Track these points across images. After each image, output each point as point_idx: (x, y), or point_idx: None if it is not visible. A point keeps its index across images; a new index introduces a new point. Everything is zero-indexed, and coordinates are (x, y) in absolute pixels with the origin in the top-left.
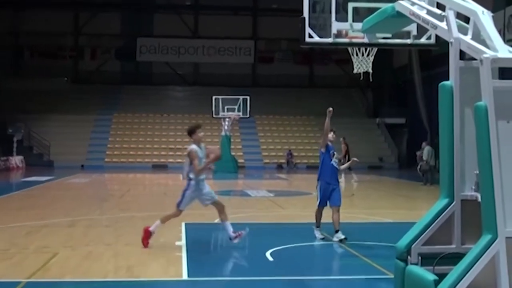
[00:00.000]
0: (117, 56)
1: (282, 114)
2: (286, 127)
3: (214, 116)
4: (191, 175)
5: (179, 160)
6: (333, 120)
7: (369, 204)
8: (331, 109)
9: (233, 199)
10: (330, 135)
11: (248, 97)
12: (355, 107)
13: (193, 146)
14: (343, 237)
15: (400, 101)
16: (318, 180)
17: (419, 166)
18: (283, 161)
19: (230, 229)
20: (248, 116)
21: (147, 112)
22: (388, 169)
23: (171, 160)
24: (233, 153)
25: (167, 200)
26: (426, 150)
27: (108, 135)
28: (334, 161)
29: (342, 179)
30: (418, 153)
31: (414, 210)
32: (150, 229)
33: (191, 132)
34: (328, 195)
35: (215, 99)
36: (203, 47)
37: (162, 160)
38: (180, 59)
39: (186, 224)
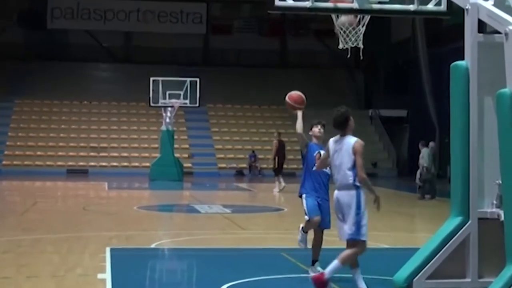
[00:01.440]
0: (20, 22)
1: (243, 103)
2: (248, 121)
3: (151, 104)
4: (357, 182)
5: (103, 164)
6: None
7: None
8: (299, 113)
9: (176, 216)
10: (317, 129)
11: (197, 80)
12: (340, 94)
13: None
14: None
15: (400, 88)
16: (300, 194)
17: (418, 175)
18: (244, 165)
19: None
20: (197, 105)
21: (61, 98)
22: (384, 178)
23: (92, 163)
24: (177, 155)
25: (88, 218)
26: (425, 154)
27: (7, 129)
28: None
29: (276, 189)
30: (421, 161)
31: (416, 232)
32: (326, 276)
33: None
34: (319, 205)
35: (154, 81)
36: (137, 11)
37: (80, 163)
38: (106, 26)
39: (111, 250)
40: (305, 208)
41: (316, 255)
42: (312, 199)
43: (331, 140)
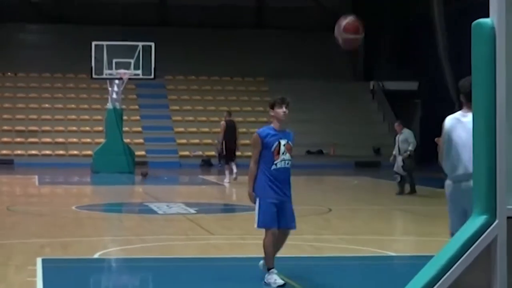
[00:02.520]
0: None
1: (210, 74)
2: (217, 96)
3: (93, 76)
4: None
5: (33, 153)
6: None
7: (354, 225)
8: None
9: (126, 218)
10: (281, 111)
11: (152, 44)
12: (333, 62)
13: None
14: (281, 282)
15: (410, 53)
16: (253, 191)
17: (401, 163)
18: (212, 153)
19: None
20: (152, 76)
21: None
22: (389, 168)
23: (19, 152)
24: (127, 140)
25: (13, 220)
26: (409, 136)
27: None
28: (284, 160)
29: (227, 179)
30: (401, 145)
31: (428, 236)
32: None
33: None
34: (277, 212)
35: (96, 47)
36: None
37: (3, 151)
38: None
39: (43, 261)
40: (257, 217)
41: (272, 262)
42: (267, 205)
43: (452, 118)
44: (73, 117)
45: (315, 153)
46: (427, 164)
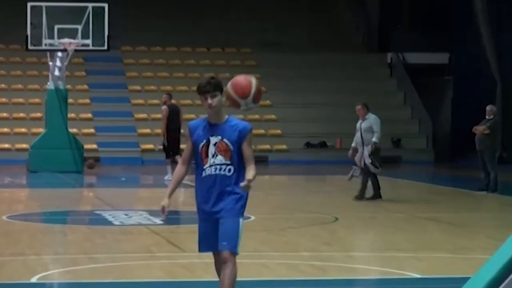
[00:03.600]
0: None
1: (181, 44)
2: (190, 72)
3: (29, 47)
4: None
5: None
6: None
7: (366, 239)
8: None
9: (73, 230)
10: (204, 103)
11: (105, 6)
12: (339, 28)
13: None
14: None
15: (438, 18)
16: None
17: (368, 159)
18: (183, 146)
19: None
20: (106, 47)
21: None
22: (412, 164)
23: None
24: (73, 130)
25: None
26: (373, 122)
27: None
28: (213, 166)
29: (168, 176)
30: (364, 135)
31: (462, 252)
32: None
33: None
34: (210, 231)
35: (33, 9)
36: None
37: None
38: None
39: None
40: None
41: None
42: (199, 223)
43: None
44: (3, 100)
45: (316, 145)
46: (460, 159)
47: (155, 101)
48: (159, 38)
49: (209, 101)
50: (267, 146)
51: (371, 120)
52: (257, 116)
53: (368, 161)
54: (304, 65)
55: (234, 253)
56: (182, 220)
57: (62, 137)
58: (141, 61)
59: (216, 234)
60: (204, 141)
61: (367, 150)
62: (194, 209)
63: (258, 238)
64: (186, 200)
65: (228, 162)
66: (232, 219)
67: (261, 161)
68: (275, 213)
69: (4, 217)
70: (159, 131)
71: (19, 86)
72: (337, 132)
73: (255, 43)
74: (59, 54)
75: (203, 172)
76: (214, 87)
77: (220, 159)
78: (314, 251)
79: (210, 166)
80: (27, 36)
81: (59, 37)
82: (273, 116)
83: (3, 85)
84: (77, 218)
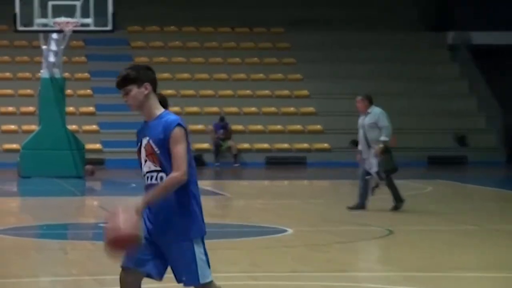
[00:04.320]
0: None
1: (199, 23)
2: (211, 57)
3: (19, 29)
4: None
5: None
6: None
7: (428, 256)
8: None
9: (75, 247)
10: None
11: None
12: (389, 2)
13: None
14: None
15: None
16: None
17: (374, 161)
18: (205, 146)
19: None
20: (110, 27)
21: None
22: (481, 164)
23: None
24: (72, 127)
25: None
26: (378, 118)
27: None
28: (145, 175)
29: None
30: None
31: None
32: None
33: None
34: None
35: None
36: None
37: None
38: None
39: None
40: None
41: None
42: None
43: None
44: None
45: None
46: None
47: (170, 91)
48: (174, 15)
49: (124, 98)
50: (305, 145)
51: (375, 114)
52: (292, 109)
53: (374, 170)
54: (347, 47)
55: (204, 285)
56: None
57: (59, 136)
58: (153, 43)
59: (155, 256)
60: (138, 144)
61: (374, 154)
62: (218, 220)
63: (296, 255)
64: (210, 210)
65: (158, 169)
66: (183, 243)
67: (297, 162)
68: (316, 226)
69: None
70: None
71: (7, 74)
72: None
73: (288, 22)
74: (55, 36)
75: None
76: (123, 81)
77: (149, 165)
78: (365, 271)
79: (144, 175)
80: (15, 14)
81: (54, 16)
82: (311, 109)
83: None
84: (79, 233)
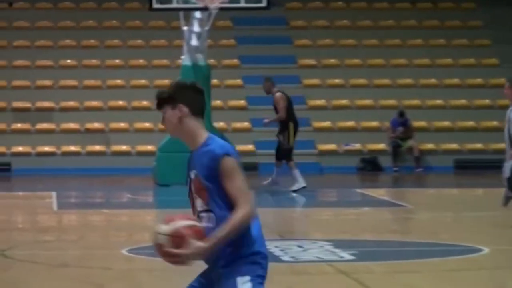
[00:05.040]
0: None
1: None
2: (388, 38)
3: (154, 6)
4: None
5: (29, 150)
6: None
7: None
8: None
9: None
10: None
11: None
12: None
13: None
14: None
15: None
16: None
17: (507, 170)
18: (380, 147)
19: None
20: (264, 4)
21: None
22: None
23: (17, 148)
24: (219, 124)
25: (10, 274)
26: None
27: None
28: (198, 214)
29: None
30: None
31: None
32: None
33: None
34: None
35: None
36: None
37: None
38: None
39: None
40: None
41: None
42: None
43: None
44: (117, 82)
45: None
46: None
47: (337, 80)
48: None
49: (162, 123)
50: (503, 145)
51: None
52: (487, 101)
53: (506, 175)
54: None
55: None
56: (382, 254)
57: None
58: (315, 23)
59: None
60: (187, 178)
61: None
62: (396, 237)
63: (494, 280)
64: (387, 225)
65: (206, 208)
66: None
67: (494, 166)
68: None
69: (123, 251)
70: (344, 124)
71: (141, 61)
72: None
73: None
74: (197, 14)
75: None
76: (159, 102)
77: (199, 203)
78: None
79: (197, 216)
80: None
81: None
82: None
83: (117, 61)
84: None
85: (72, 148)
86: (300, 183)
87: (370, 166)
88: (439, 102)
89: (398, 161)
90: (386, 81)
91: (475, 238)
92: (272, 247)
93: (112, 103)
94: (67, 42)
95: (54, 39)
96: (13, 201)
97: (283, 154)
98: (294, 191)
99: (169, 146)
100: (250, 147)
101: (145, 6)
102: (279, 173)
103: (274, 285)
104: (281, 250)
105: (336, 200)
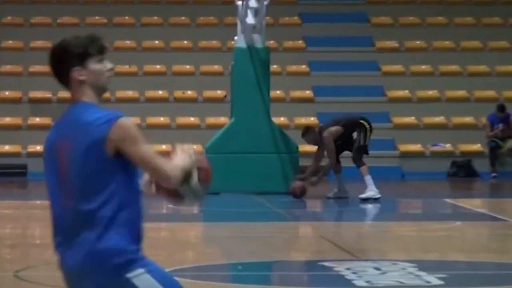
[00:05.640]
0: None
1: None
2: (458, 16)
3: None
4: None
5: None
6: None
7: None
8: None
9: None
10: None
11: None
12: None
13: None
14: None
15: None
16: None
17: None
18: (476, 147)
19: None
20: None
21: None
22: None
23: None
24: (279, 120)
25: None
26: None
27: None
28: None
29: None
30: None
31: None
32: None
33: None
34: None
35: None
36: None
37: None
38: None
39: None
40: None
41: None
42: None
43: None
44: (156, 67)
45: None
46: None
47: (423, 68)
48: None
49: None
50: None
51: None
52: None
53: None
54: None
55: None
56: (474, 278)
57: (260, 133)
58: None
59: None
60: None
61: None
62: (495, 258)
63: None
64: (483, 243)
65: None
66: None
67: None
68: None
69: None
70: (431, 120)
71: (185, 43)
72: None
73: None
74: None
75: None
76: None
77: None
78: None
79: None
80: None
81: None
82: None
83: (156, 42)
84: (290, 275)
85: None
86: (372, 191)
87: (462, 171)
88: None
89: (497, 165)
90: (483, 67)
91: None
92: (343, 269)
93: (150, 93)
94: (96, 19)
95: (80, 16)
96: (29, 211)
97: (358, 154)
98: (364, 200)
99: (218, 146)
100: (316, 147)
101: None
102: (341, 180)
103: None
104: (354, 273)
105: (420, 213)
